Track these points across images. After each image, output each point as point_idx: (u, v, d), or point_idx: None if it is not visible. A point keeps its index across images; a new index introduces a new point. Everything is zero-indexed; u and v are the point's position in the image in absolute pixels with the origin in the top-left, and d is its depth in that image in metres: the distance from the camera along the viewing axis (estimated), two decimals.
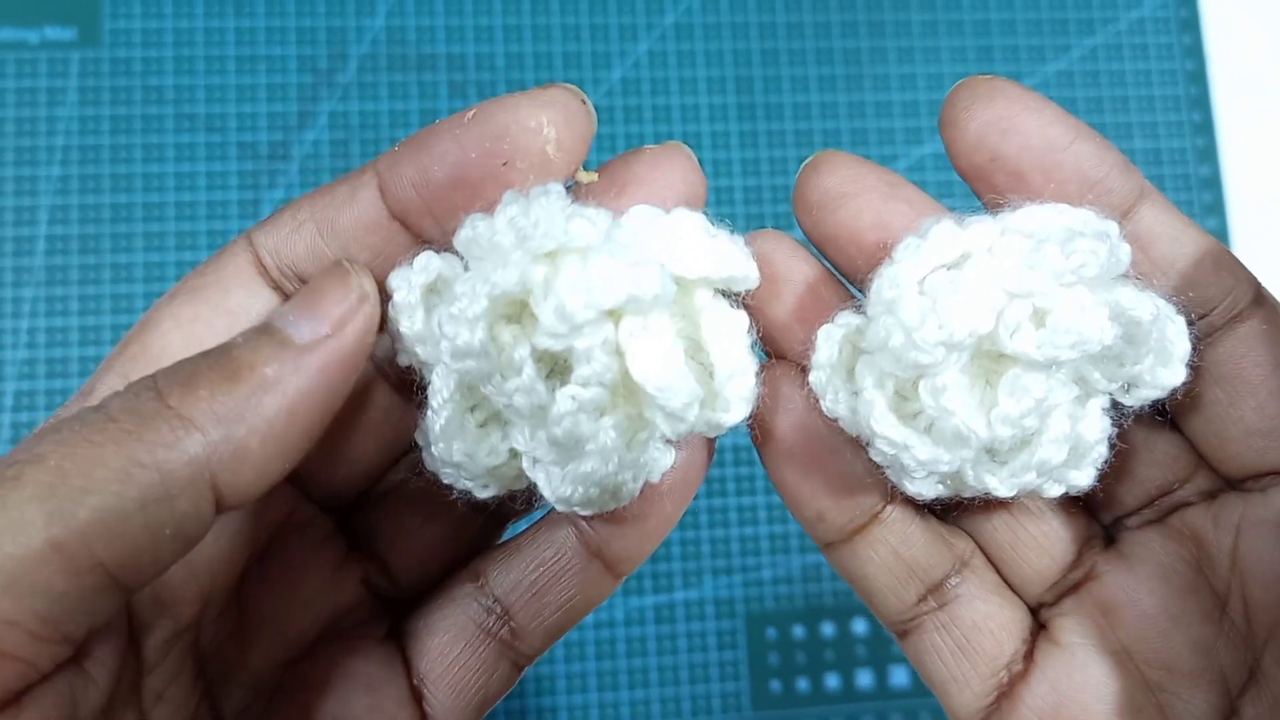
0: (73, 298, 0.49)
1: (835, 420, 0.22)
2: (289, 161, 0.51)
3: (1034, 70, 0.55)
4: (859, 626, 0.50)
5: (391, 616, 0.25)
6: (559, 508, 0.22)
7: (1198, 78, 0.56)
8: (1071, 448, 0.21)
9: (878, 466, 0.22)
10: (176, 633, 0.21)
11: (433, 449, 0.22)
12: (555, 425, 0.20)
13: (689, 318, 0.22)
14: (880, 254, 0.22)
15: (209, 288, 0.22)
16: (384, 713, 0.23)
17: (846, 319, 0.22)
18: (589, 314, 0.19)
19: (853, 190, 0.22)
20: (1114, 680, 0.23)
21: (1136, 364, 0.21)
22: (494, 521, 0.25)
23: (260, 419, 0.19)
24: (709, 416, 0.21)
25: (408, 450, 0.24)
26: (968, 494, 0.23)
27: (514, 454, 0.22)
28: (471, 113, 0.21)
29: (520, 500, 0.23)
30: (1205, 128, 0.56)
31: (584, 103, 0.21)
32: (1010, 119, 0.21)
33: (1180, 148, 0.55)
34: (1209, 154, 0.56)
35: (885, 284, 0.21)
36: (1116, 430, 0.22)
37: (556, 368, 0.21)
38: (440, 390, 0.21)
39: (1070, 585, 0.24)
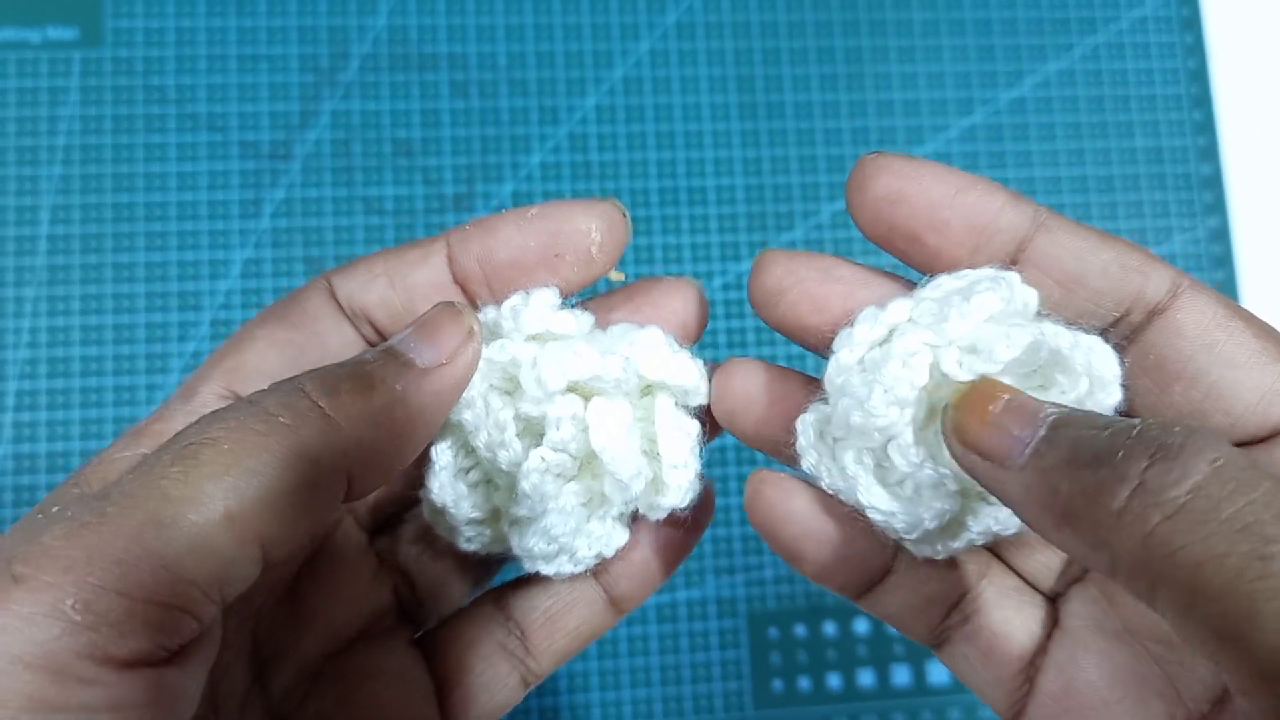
0: (74, 297, 0.49)
1: (836, 494, 0.25)
2: (291, 161, 0.51)
3: (1035, 69, 0.55)
4: (861, 626, 0.50)
5: (417, 626, 0.28)
6: (525, 563, 0.26)
7: (1199, 76, 0.56)
8: None
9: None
10: (245, 616, 0.24)
11: (428, 495, 0.26)
12: (525, 480, 0.24)
13: (649, 419, 0.26)
14: (826, 332, 0.25)
15: (296, 315, 0.25)
16: (411, 705, 0.26)
17: (817, 407, 0.25)
18: (561, 383, 0.24)
19: (788, 284, 0.25)
20: (1118, 657, 0.24)
21: (1075, 390, 0.23)
22: (501, 561, 0.29)
23: (391, 426, 0.22)
24: (652, 497, 0.25)
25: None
26: (980, 541, 0.25)
27: (495, 516, 0.26)
28: (534, 210, 0.25)
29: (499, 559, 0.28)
30: (1207, 126, 0.56)
31: (624, 215, 0.25)
32: (895, 189, 0.24)
33: (1182, 146, 0.55)
34: (1210, 152, 0.56)
35: (832, 373, 0.24)
36: None
37: (535, 437, 0.25)
38: (444, 443, 0.25)
39: (1076, 574, 0.26)
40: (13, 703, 0.17)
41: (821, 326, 0.25)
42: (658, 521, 0.26)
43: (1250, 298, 0.54)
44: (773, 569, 0.50)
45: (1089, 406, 0.23)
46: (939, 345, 0.23)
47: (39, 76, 0.50)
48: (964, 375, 0.23)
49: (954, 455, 0.22)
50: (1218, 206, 0.55)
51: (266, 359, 0.24)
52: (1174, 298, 0.24)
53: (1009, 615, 0.25)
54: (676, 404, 0.26)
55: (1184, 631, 0.18)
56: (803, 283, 0.25)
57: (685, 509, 0.26)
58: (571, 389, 0.24)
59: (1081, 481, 0.19)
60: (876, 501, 0.24)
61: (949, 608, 0.26)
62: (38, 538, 0.18)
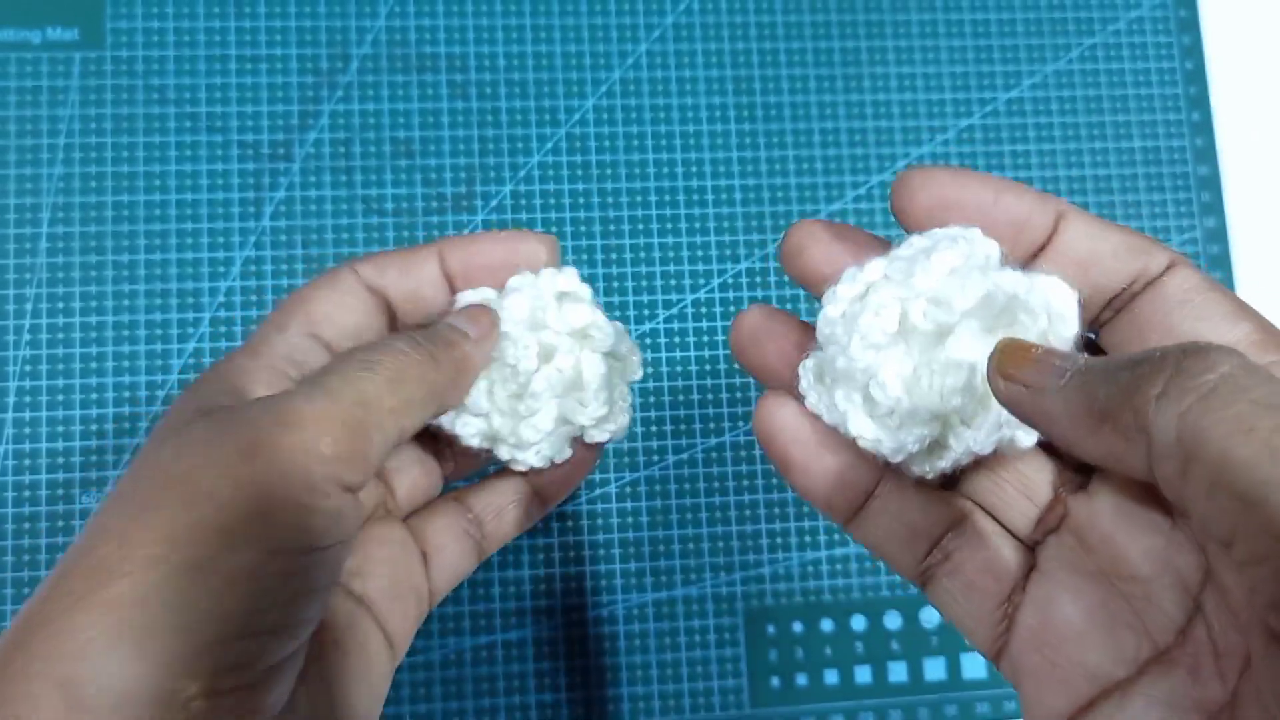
0: (74, 296, 0.49)
1: (835, 428, 0.29)
2: (290, 161, 0.51)
3: (1033, 70, 0.55)
4: (857, 623, 0.50)
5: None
6: (503, 450, 0.36)
7: (1196, 77, 0.56)
8: None
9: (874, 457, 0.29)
10: None
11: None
12: (534, 383, 0.35)
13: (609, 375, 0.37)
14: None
15: (340, 290, 0.34)
16: (412, 564, 0.35)
17: (815, 354, 0.30)
18: (579, 324, 0.35)
19: (807, 243, 0.30)
20: (1091, 594, 0.27)
21: (1037, 326, 0.27)
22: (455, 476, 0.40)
23: (461, 371, 0.32)
24: (605, 426, 0.37)
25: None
26: (964, 461, 0.28)
27: (489, 420, 0.36)
28: (504, 233, 0.36)
29: (476, 459, 0.38)
30: (1204, 127, 0.56)
31: (556, 242, 0.36)
32: (944, 197, 0.28)
33: (1179, 147, 0.56)
34: (1208, 153, 0.56)
35: (821, 324, 0.29)
36: None
37: (546, 360, 0.36)
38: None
39: (1052, 524, 0.29)
40: (291, 500, 0.26)
41: (829, 279, 0.30)
42: (579, 445, 0.37)
43: (1247, 297, 0.54)
44: (770, 566, 0.50)
45: (1050, 339, 0.27)
46: (907, 298, 0.27)
47: (39, 77, 0.50)
48: (928, 325, 0.27)
49: (997, 391, 0.25)
50: (1215, 207, 0.55)
51: (332, 320, 0.33)
52: (1167, 271, 0.27)
53: (989, 555, 0.29)
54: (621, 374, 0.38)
55: (1209, 509, 0.20)
56: (819, 241, 0.30)
57: (612, 440, 0.37)
58: (574, 335, 0.36)
59: (1120, 381, 0.22)
60: (864, 430, 0.28)
61: (931, 543, 0.29)
62: (288, 404, 0.27)
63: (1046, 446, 0.29)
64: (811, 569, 0.50)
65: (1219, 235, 0.55)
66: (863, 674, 0.50)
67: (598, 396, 0.36)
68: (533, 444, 0.36)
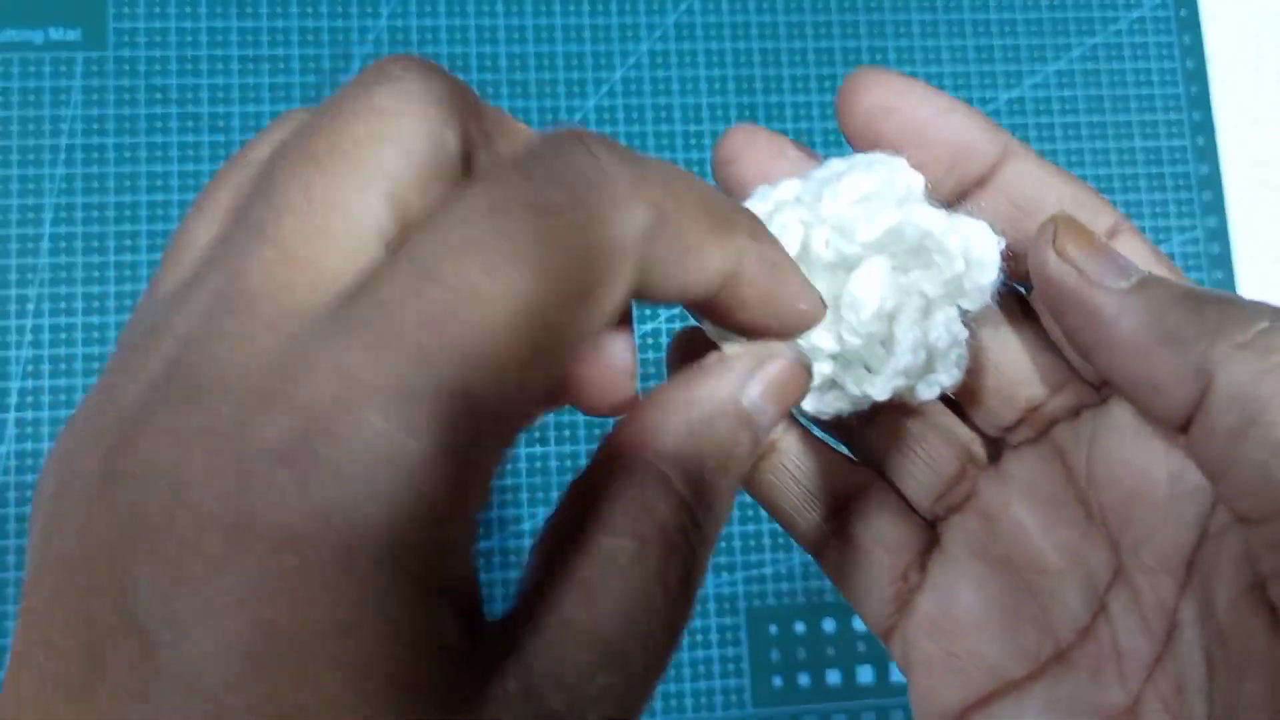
0: (77, 296, 0.49)
1: None
2: None
3: (1035, 70, 0.55)
4: (860, 623, 0.50)
5: None
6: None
7: (1197, 77, 0.56)
8: (929, 353, 0.25)
9: None
10: None
11: None
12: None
13: None
14: None
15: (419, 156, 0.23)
16: None
17: None
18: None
19: (742, 150, 0.26)
20: (995, 583, 0.26)
21: (951, 269, 0.24)
22: None
23: None
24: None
25: None
26: (861, 406, 0.25)
27: None
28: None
29: None
30: (1205, 126, 0.56)
31: None
32: (886, 103, 0.25)
33: (1180, 146, 0.56)
34: (1209, 153, 0.56)
35: None
36: (969, 335, 0.25)
37: None
38: None
39: (957, 501, 0.27)
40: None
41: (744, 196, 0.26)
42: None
43: (1248, 295, 0.54)
44: (772, 566, 0.50)
45: (965, 285, 0.24)
46: (811, 223, 0.24)
47: (42, 77, 0.50)
48: (829, 254, 0.24)
49: (1044, 264, 0.23)
50: (1216, 206, 0.55)
51: (409, 194, 0.22)
52: (1113, 236, 0.25)
53: (885, 528, 0.26)
54: None
55: (1257, 478, 0.20)
56: (755, 149, 0.26)
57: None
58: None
59: (1201, 313, 0.21)
60: None
61: (828, 509, 0.27)
62: None
63: (960, 411, 0.27)
64: (814, 568, 0.50)
65: (1220, 234, 0.55)
66: (865, 674, 0.50)
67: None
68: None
